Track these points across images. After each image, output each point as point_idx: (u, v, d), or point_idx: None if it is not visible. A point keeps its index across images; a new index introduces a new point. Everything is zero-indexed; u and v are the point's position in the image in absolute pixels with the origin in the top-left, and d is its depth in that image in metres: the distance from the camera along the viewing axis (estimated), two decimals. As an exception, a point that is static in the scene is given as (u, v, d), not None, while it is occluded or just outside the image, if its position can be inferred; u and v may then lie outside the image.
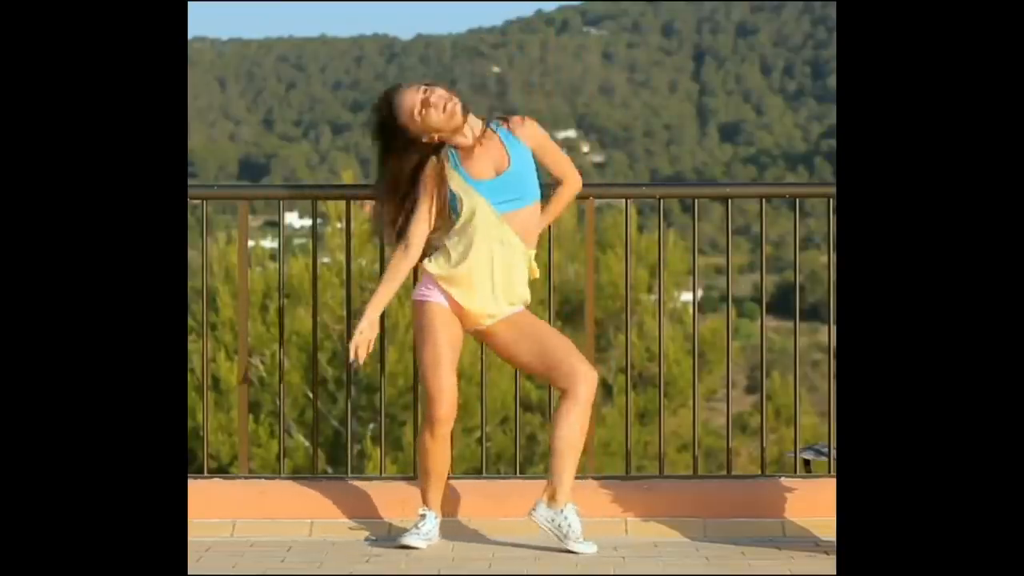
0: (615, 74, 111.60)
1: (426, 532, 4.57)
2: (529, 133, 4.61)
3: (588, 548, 4.48)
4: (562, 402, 4.54)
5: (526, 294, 4.62)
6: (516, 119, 4.63)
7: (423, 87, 4.54)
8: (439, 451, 4.57)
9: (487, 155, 4.58)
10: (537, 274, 4.65)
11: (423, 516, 4.60)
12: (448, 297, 4.55)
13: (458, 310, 4.56)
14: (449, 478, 4.97)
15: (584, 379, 4.50)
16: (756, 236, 5.74)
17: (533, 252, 4.62)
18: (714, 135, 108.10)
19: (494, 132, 4.60)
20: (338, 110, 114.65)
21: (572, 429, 4.49)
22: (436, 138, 4.53)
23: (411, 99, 4.51)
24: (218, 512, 4.80)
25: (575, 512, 4.51)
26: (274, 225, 10.16)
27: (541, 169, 4.66)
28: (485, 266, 4.52)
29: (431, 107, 4.48)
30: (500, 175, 4.56)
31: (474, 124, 4.59)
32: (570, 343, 4.59)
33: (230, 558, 4.45)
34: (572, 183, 4.72)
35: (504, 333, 4.60)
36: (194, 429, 14.58)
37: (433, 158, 4.56)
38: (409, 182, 4.56)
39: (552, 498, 4.50)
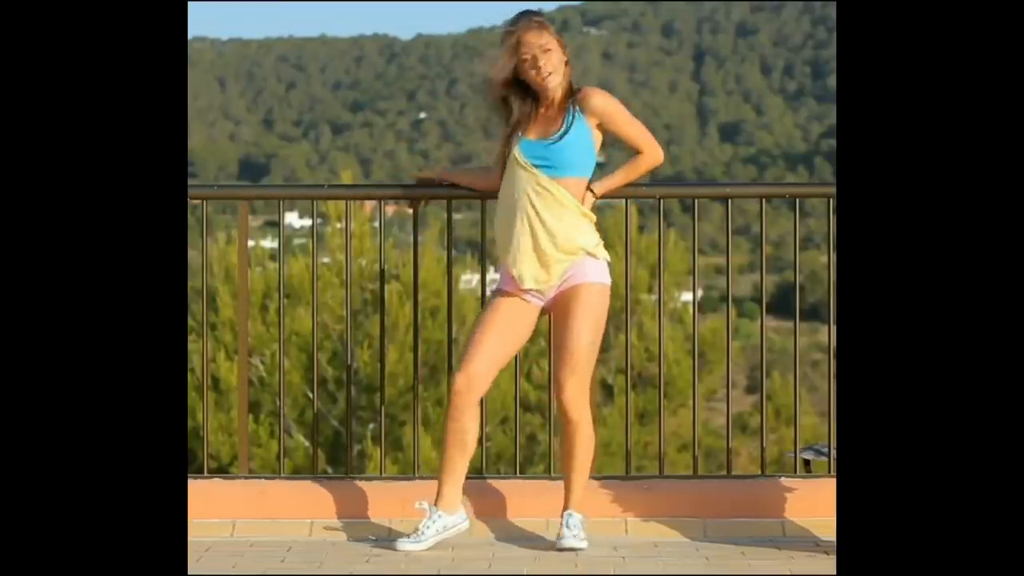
0: (615, 74, 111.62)
1: (421, 534, 4.55)
2: (592, 105, 4.56)
3: (579, 544, 4.52)
4: (563, 427, 4.59)
5: (584, 242, 4.53)
6: (584, 90, 4.58)
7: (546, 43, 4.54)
8: (452, 427, 4.55)
9: (547, 119, 4.59)
10: (592, 217, 4.58)
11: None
12: (509, 278, 4.58)
13: (516, 288, 4.57)
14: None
15: (577, 429, 4.53)
16: (756, 236, 5.74)
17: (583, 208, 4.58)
18: (714, 135, 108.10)
19: (568, 101, 4.58)
20: (338, 110, 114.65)
21: (573, 460, 4.58)
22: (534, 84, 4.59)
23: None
24: (218, 512, 4.80)
25: (578, 520, 4.58)
26: (274, 225, 10.16)
27: (619, 141, 4.66)
28: (521, 221, 4.53)
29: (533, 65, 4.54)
30: (540, 139, 4.56)
31: (555, 87, 4.57)
32: (584, 370, 4.52)
33: (230, 558, 4.45)
34: (650, 154, 4.66)
35: (556, 311, 4.61)
36: (194, 429, 14.58)
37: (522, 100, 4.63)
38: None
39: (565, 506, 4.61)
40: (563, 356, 4.51)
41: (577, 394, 4.51)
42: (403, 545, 4.53)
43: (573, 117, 4.56)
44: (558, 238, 4.51)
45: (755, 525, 4.75)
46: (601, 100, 4.57)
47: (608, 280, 4.60)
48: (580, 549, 4.50)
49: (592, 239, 4.57)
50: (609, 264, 4.62)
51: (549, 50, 4.53)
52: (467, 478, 4.97)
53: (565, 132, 4.54)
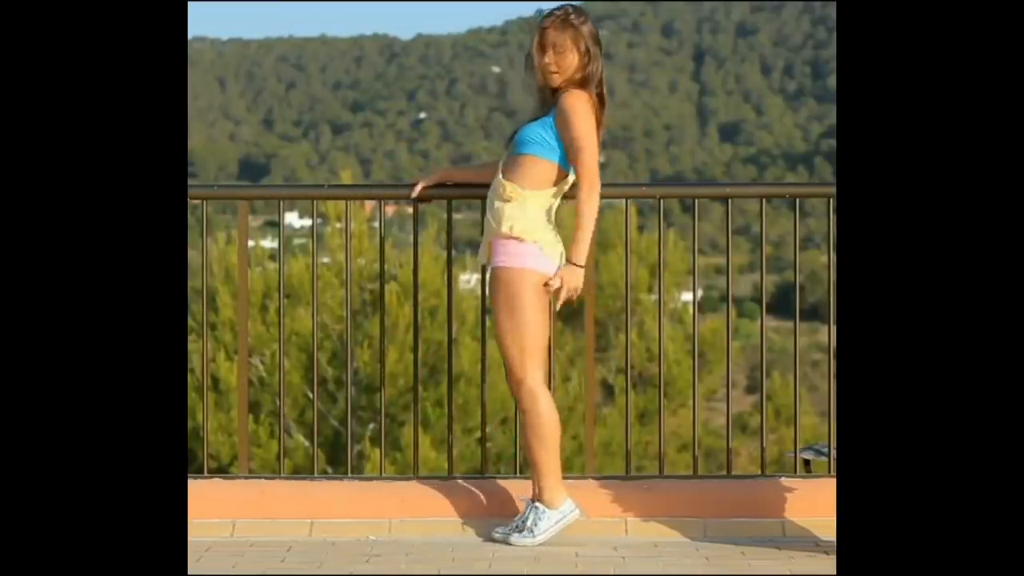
0: (615, 74, 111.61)
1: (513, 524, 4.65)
2: (558, 103, 4.58)
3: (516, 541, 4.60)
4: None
5: (501, 224, 4.53)
6: (567, 91, 4.56)
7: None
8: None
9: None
10: (509, 193, 4.53)
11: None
12: None
13: None
14: (450, 478, 4.97)
15: (524, 416, 4.58)
16: (756, 236, 5.74)
17: (512, 186, 4.55)
18: (714, 135, 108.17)
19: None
20: (338, 110, 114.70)
21: (527, 447, 4.61)
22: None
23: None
24: (218, 512, 4.80)
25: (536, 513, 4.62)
26: (274, 225, 10.16)
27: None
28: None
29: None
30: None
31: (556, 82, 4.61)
32: (516, 362, 4.53)
33: (230, 558, 4.45)
34: (583, 189, 4.51)
35: None
36: (194, 429, 14.58)
37: None
38: None
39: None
40: (502, 348, 4.58)
41: (516, 386, 4.55)
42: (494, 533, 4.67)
43: (550, 110, 4.61)
44: (490, 217, 4.61)
45: (755, 525, 4.75)
46: (563, 100, 4.56)
47: (525, 263, 4.50)
48: (511, 545, 4.57)
49: (510, 221, 4.53)
50: (537, 247, 4.51)
51: (563, 52, 4.55)
52: (467, 478, 4.98)
53: (527, 125, 4.62)
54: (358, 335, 18.10)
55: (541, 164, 4.56)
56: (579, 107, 4.52)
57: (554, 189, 4.59)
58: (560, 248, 4.59)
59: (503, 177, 4.58)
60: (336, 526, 4.78)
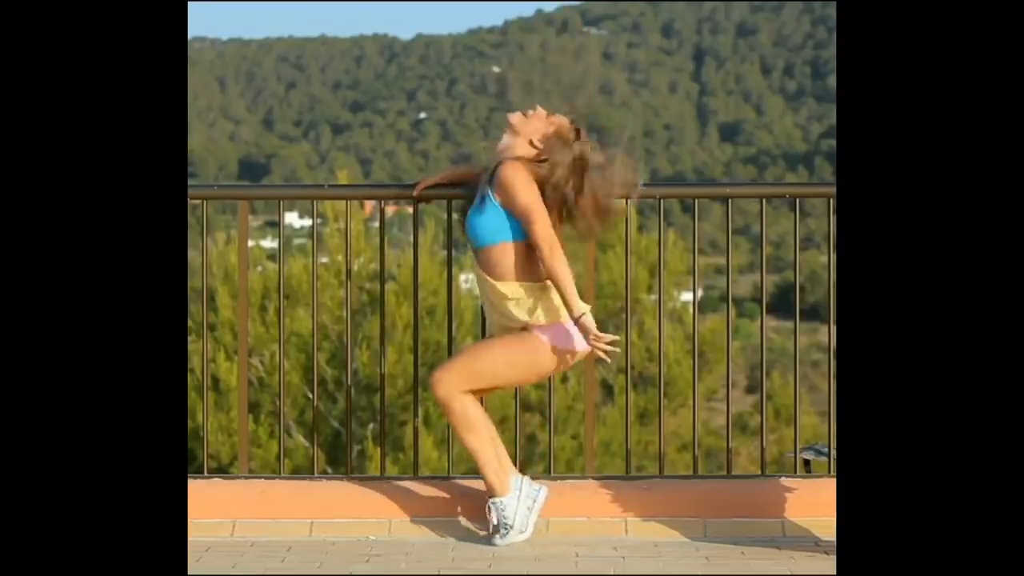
0: (615, 74, 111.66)
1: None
2: (496, 180, 4.55)
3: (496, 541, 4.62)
4: None
5: (521, 317, 4.53)
6: (500, 173, 4.53)
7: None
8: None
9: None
10: (508, 293, 4.52)
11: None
12: None
13: None
14: (449, 478, 4.98)
15: (436, 395, 4.56)
16: (756, 236, 5.74)
17: (514, 286, 4.53)
18: (714, 135, 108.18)
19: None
20: (338, 110, 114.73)
21: (456, 433, 4.67)
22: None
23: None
24: (218, 512, 4.80)
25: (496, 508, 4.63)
26: (274, 225, 10.16)
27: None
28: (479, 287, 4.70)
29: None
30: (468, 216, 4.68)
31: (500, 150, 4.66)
32: (459, 369, 4.52)
33: (230, 558, 4.45)
34: (543, 255, 4.48)
35: None
36: (194, 429, 14.59)
37: None
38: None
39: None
40: (457, 352, 4.64)
41: (437, 382, 4.52)
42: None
43: (485, 191, 4.58)
44: (500, 318, 4.60)
45: (755, 525, 4.75)
46: (499, 175, 4.54)
47: (549, 339, 4.53)
48: (497, 544, 4.58)
49: (523, 312, 4.53)
50: (565, 328, 4.53)
51: (517, 134, 4.63)
52: (467, 478, 4.98)
53: (475, 207, 4.61)
54: (356, 335, 18.09)
55: (515, 247, 4.55)
56: (517, 179, 4.51)
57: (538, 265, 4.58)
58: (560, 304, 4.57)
59: (492, 280, 4.53)
60: (336, 526, 4.78)
